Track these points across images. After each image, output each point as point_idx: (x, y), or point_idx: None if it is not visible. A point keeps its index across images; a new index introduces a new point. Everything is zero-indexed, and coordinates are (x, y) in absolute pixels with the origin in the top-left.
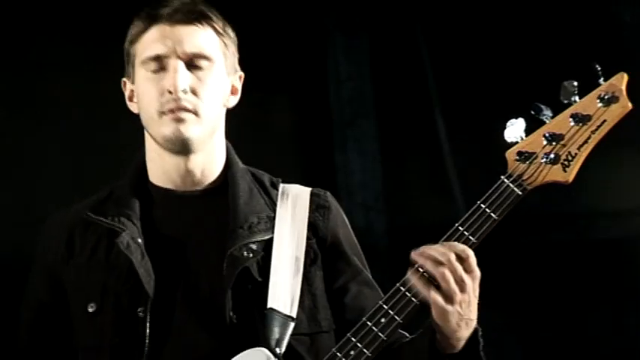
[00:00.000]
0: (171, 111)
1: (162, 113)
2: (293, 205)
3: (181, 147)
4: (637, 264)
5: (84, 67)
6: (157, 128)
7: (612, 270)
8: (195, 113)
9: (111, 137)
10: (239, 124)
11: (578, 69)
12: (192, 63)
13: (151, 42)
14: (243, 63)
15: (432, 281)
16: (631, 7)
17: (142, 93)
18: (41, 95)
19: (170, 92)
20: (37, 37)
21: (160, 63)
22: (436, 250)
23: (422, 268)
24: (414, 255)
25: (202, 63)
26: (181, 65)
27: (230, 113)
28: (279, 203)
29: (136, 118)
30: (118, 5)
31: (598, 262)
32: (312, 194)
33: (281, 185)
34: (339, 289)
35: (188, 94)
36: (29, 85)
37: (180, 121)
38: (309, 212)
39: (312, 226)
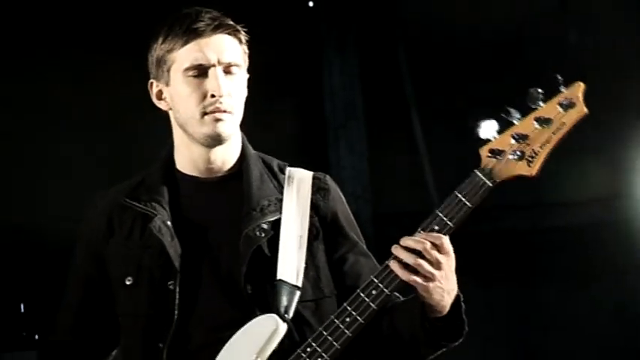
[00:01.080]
0: (213, 112)
1: (204, 114)
2: (297, 188)
3: (217, 142)
4: (584, 248)
5: (86, 71)
6: (197, 126)
7: (563, 253)
8: (231, 113)
9: (117, 136)
10: (249, 125)
11: (536, 80)
12: (227, 69)
13: (194, 52)
14: (254, 74)
15: (410, 267)
16: (576, 30)
17: (183, 95)
18: (45, 97)
19: (213, 96)
20: (44, 42)
21: (200, 70)
22: (413, 240)
23: (401, 259)
24: (394, 249)
25: (234, 69)
26: (221, 72)
27: (243, 116)
28: (285, 186)
29: (136, 119)
30: (126, 12)
31: (550, 247)
32: (313, 177)
33: (287, 169)
34: (339, 260)
35: (226, 97)
36: (36, 87)
37: (220, 120)
38: (312, 194)
39: (314, 206)
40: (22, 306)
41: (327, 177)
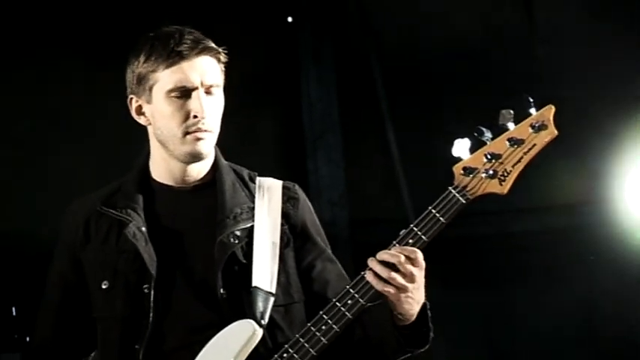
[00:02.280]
0: (195, 132)
1: (187, 133)
2: (269, 197)
3: (197, 159)
4: (549, 252)
5: (86, 75)
6: (178, 145)
7: (529, 257)
8: (212, 132)
9: (116, 142)
10: (230, 136)
11: (505, 96)
12: (208, 91)
13: (177, 74)
14: (235, 87)
15: (384, 279)
16: (544, 44)
17: (165, 115)
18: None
19: (195, 117)
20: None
21: (183, 91)
22: (388, 253)
23: (375, 272)
24: (369, 262)
25: (215, 90)
26: (203, 94)
27: (225, 127)
28: (257, 195)
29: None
30: (126, 14)
31: (521, 252)
32: (283, 187)
33: (257, 179)
34: (307, 266)
35: (207, 118)
36: (35, 92)
37: (200, 139)
38: (282, 203)
39: (285, 215)
40: (13, 309)
41: (296, 186)
